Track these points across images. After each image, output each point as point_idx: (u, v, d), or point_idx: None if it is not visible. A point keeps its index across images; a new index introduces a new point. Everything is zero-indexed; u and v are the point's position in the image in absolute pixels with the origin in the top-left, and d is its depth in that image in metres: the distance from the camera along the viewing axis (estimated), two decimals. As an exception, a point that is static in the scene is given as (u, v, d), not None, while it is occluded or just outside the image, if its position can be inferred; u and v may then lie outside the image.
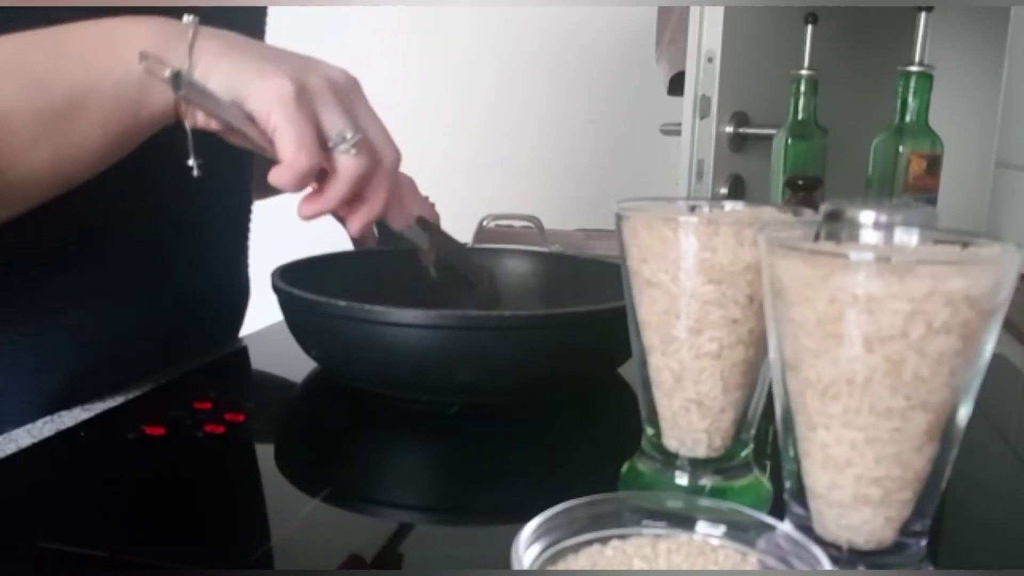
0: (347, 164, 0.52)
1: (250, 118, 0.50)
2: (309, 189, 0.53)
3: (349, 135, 0.51)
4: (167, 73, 0.47)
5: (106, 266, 0.61)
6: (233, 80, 0.49)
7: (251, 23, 0.70)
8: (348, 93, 0.53)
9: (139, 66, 0.47)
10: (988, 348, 0.32)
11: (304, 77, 0.50)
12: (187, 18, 0.49)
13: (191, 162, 0.51)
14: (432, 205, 0.85)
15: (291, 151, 0.49)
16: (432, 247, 0.65)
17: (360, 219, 0.55)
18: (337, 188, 0.52)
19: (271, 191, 0.63)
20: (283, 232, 0.95)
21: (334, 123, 0.51)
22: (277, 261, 0.66)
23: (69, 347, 0.59)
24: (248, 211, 0.75)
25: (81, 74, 0.48)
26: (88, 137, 0.49)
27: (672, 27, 1.31)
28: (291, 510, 0.44)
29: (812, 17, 0.99)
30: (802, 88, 1.00)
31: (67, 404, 0.58)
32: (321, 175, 0.52)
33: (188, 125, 0.50)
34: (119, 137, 0.50)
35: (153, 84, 0.48)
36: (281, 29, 0.87)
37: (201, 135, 0.51)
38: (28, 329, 0.58)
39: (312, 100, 0.50)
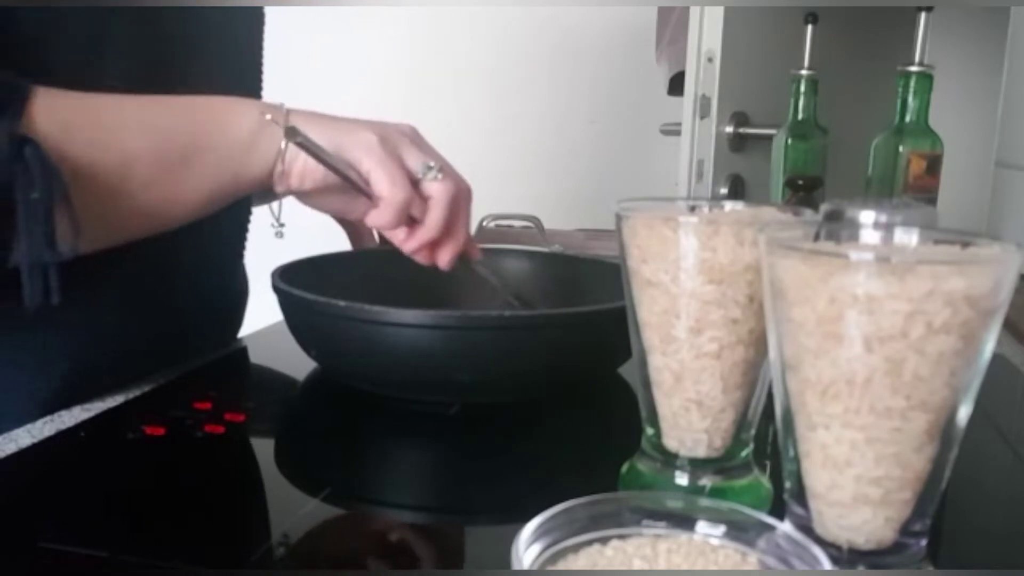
0: (439, 189, 0.59)
1: (349, 166, 0.57)
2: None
3: (432, 164, 0.59)
4: (285, 125, 0.55)
5: (106, 268, 0.60)
6: (326, 137, 0.56)
7: (250, 27, 0.71)
8: (417, 139, 0.62)
9: (246, 134, 0.55)
10: (988, 348, 0.32)
11: (381, 130, 0.59)
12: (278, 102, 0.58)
13: (277, 225, 0.62)
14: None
15: (387, 188, 0.57)
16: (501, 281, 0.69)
17: (449, 251, 0.62)
18: (436, 213, 0.59)
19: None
20: (283, 232, 0.95)
21: (416, 159, 0.59)
22: (277, 261, 0.66)
23: (69, 348, 0.59)
24: (248, 215, 0.76)
25: (200, 131, 0.55)
26: (196, 187, 0.55)
27: (672, 27, 1.31)
28: (291, 510, 0.44)
29: (812, 17, 0.99)
30: (802, 88, 1.00)
31: (67, 404, 0.58)
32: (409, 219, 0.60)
33: (280, 191, 0.58)
34: (220, 192, 0.56)
35: (255, 152, 0.55)
36: (282, 29, 0.87)
37: None
38: (28, 330, 0.58)
39: (394, 145, 0.59)
